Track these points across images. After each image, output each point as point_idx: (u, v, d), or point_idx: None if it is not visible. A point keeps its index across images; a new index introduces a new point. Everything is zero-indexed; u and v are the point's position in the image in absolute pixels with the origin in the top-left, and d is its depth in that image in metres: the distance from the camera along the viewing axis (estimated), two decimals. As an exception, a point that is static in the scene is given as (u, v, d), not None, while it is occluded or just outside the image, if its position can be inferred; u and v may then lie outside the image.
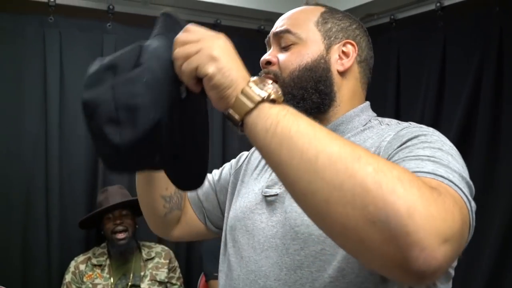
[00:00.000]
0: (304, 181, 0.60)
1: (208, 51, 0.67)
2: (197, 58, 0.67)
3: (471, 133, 2.14)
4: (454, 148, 0.78)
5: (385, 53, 2.51)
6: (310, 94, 0.93)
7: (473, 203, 0.68)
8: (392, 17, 2.51)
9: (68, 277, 2.27)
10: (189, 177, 0.85)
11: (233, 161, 1.19)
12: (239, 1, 2.58)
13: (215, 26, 2.69)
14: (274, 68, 0.95)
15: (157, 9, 2.57)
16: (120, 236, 2.26)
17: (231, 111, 0.67)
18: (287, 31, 0.96)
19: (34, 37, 2.36)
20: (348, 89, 0.97)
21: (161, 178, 1.04)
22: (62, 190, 2.43)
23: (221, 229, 1.13)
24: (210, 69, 0.66)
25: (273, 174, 0.97)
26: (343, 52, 0.97)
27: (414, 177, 0.59)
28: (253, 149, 1.13)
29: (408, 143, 0.77)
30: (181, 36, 0.72)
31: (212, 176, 1.20)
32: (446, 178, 0.65)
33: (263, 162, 1.06)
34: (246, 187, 1.05)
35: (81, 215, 2.42)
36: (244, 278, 0.92)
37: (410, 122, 0.89)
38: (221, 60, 0.67)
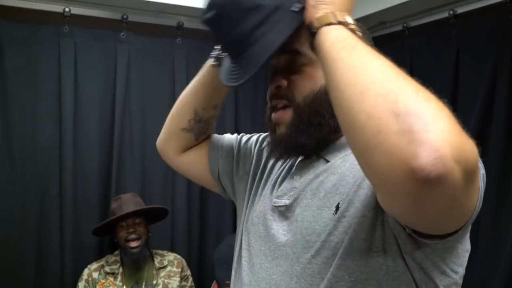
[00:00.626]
0: (349, 74, 0.66)
1: None
2: None
3: (485, 142, 2.12)
4: None
5: (398, 61, 2.50)
6: (327, 119, 0.90)
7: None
8: (405, 25, 2.51)
9: (81, 285, 2.27)
10: (241, 73, 0.88)
11: (253, 138, 1.22)
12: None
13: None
14: (286, 91, 0.92)
15: (170, 18, 2.60)
16: (133, 244, 2.27)
17: (316, 18, 0.76)
18: (296, 52, 0.90)
19: (49, 46, 2.39)
20: None
21: (208, 96, 1.15)
22: (76, 197, 2.44)
23: (223, 183, 1.21)
24: None
25: (283, 186, 0.98)
26: None
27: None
28: (265, 143, 1.15)
29: None
30: None
31: (238, 140, 1.23)
32: None
33: (277, 169, 1.07)
34: (264, 189, 1.06)
35: (94, 222, 2.44)
36: (255, 285, 0.93)
37: None
38: None
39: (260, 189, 1.08)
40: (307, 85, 0.90)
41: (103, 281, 2.27)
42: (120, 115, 2.52)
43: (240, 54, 0.88)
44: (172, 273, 2.36)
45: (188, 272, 2.44)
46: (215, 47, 1.08)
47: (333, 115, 0.87)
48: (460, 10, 2.24)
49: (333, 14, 0.75)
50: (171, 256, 2.44)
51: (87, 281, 2.27)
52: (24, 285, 2.31)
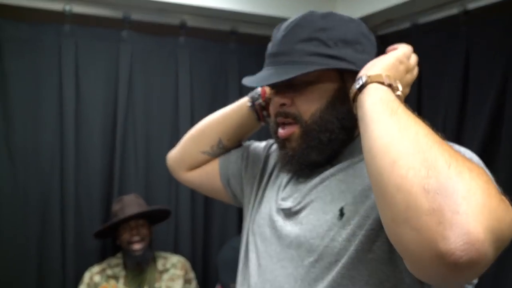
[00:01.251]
0: (384, 141, 0.66)
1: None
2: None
3: (496, 141, 2.07)
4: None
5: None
6: (337, 134, 0.91)
7: None
8: (412, 22, 2.44)
9: (83, 288, 2.24)
10: None
11: (261, 145, 1.23)
12: (256, 8, 2.55)
13: (232, 34, 2.66)
14: (291, 110, 0.92)
15: (173, 17, 2.55)
16: (136, 246, 2.23)
17: (366, 77, 0.78)
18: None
19: (50, 46, 2.35)
20: None
21: (237, 130, 1.20)
22: (78, 200, 2.41)
23: (233, 188, 1.21)
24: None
25: (287, 188, 0.99)
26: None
27: (485, 172, 0.60)
28: (272, 148, 1.17)
29: None
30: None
31: (247, 146, 1.24)
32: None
33: (281, 178, 1.07)
34: (270, 191, 1.06)
35: (96, 224, 2.40)
36: (261, 286, 0.94)
37: None
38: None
39: (267, 191, 1.08)
40: (314, 104, 0.90)
41: (105, 284, 2.23)
42: (123, 115, 2.48)
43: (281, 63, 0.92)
44: (175, 276, 2.32)
45: (192, 275, 2.40)
46: (255, 88, 1.10)
47: (342, 129, 0.91)
48: (471, 6, 2.18)
49: (387, 76, 0.78)
50: (174, 258, 2.40)
51: (88, 284, 2.23)
52: (26, 288, 2.28)
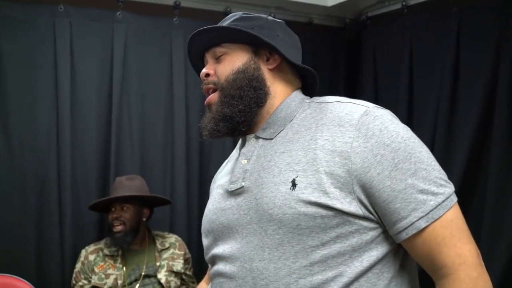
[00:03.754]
0: None
1: None
2: None
3: (489, 121, 2.11)
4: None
5: (397, 41, 2.48)
6: (246, 91, 1.04)
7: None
8: (404, 3, 2.47)
9: (78, 266, 2.27)
10: None
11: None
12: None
13: (225, 15, 2.67)
14: (212, 78, 1.08)
15: (167, -3, 2.56)
16: (117, 228, 2.26)
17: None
18: (216, 45, 1.08)
19: (44, 26, 2.35)
20: (281, 81, 1.09)
21: None
22: (74, 181, 2.42)
23: None
24: None
25: (235, 171, 1.06)
26: (269, 52, 1.08)
27: None
28: (220, 168, 1.24)
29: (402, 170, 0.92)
30: None
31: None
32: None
33: (227, 166, 1.17)
34: (212, 195, 1.16)
35: (93, 203, 2.43)
36: (231, 266, 1.00)
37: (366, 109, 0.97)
38: None
39: (214, 191, 1.16)
40: (228, 68, 1.06)
41: (102, 263, 2.26)
42: (118, 96, 2.50)
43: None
44: (175, 255, 2.36)
45: (189, 255, 2.45)
46: None
47: (251, 88, 1.05)
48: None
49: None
50: (172, 238, 2.43)
51: (83, 263, 2.27)
52: (25, 268, 2.29)
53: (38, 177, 2.38)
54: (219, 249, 1.04)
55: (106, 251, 2.29)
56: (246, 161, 1.05)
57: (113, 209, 2.29)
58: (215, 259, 1.06)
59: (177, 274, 2.32)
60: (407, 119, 2.42)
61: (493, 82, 2.09)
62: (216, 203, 1.08)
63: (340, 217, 0.91)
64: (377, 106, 1.00)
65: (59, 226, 2.38)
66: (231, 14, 1.13)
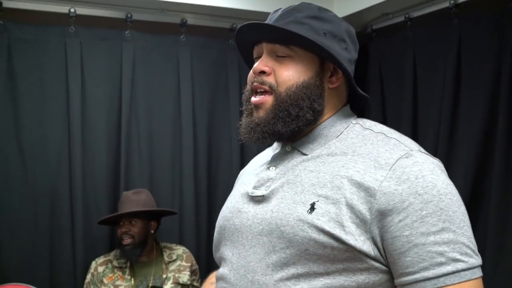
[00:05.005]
0: None
1: None
2: None
3: (491, 134, 2.10)
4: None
5: (401, 52, 2.50)
6: (305, 112, 0.96)
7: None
8: (407, 15, 2.49)
9: (88, 277, 2.34)
10: None
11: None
12: (254, 5, 2.61)
13: (231, 31, 2.72)
14: (269, 79, 0.97)
15: (174, 16, 2.63)
16: (126, 241, 2.31)
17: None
18: (283, 43, 0.96)
19: (56, 47, 2.44)
20: (334, 98, 1.02)
21: None
22: (85, 196, 2.49)
23: None
24: None
25: (260, 176, 1.02)
26: (334, 68, 0.99)
27: None
28: (252, 160, 1.20)
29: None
30: None
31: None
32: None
33: (255, 167, 1.12)
34: (234, 190, 1.13)
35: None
36: (235, 272, 0.97)
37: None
38: None
39: (237, 187, 1.13)
40: (292, 78, 0.95)
41: (111, 275, 2.32)
42: (127, 113, 2.57)
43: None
44: (182, 267, 2.39)
45: (197, 266, 2.48)
46: None
47: (310, 109, 0.96)
48: (461, -1, 2.23)
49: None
50: (179, 250, 2.47)
51: (92, 274, 2.33)
52: (38, 279, 2.37)
53: (50, 191, 2.45)
54: (227, 252, 1.01)
55: (115, 263, 2.35)
56: (274, 168, 1.01)
57: (121, 223, 2.34)
58: (222, 261, 1.04)
59: (183, 286, 2.36)
60: (412, 132, 2.43)
61: (495, 91, 2.09)
62: (235, 202, 1.05)
63: (351, 253, 0.86)
64: (423, 151, 0.93)
65: (71, 239, 2.45)
66: (303, 3, 1.00)
